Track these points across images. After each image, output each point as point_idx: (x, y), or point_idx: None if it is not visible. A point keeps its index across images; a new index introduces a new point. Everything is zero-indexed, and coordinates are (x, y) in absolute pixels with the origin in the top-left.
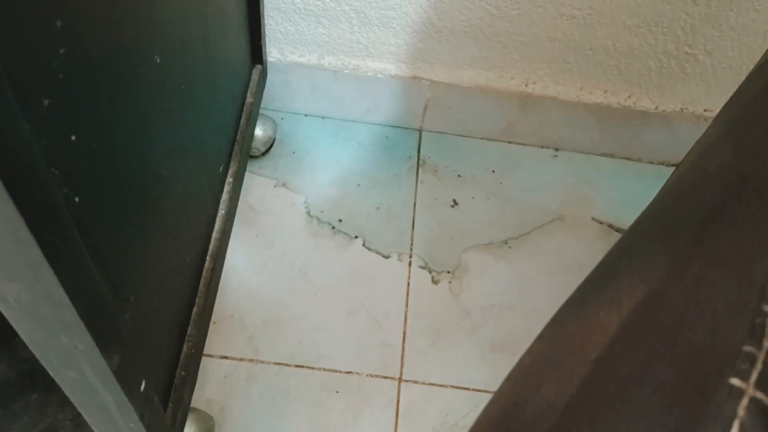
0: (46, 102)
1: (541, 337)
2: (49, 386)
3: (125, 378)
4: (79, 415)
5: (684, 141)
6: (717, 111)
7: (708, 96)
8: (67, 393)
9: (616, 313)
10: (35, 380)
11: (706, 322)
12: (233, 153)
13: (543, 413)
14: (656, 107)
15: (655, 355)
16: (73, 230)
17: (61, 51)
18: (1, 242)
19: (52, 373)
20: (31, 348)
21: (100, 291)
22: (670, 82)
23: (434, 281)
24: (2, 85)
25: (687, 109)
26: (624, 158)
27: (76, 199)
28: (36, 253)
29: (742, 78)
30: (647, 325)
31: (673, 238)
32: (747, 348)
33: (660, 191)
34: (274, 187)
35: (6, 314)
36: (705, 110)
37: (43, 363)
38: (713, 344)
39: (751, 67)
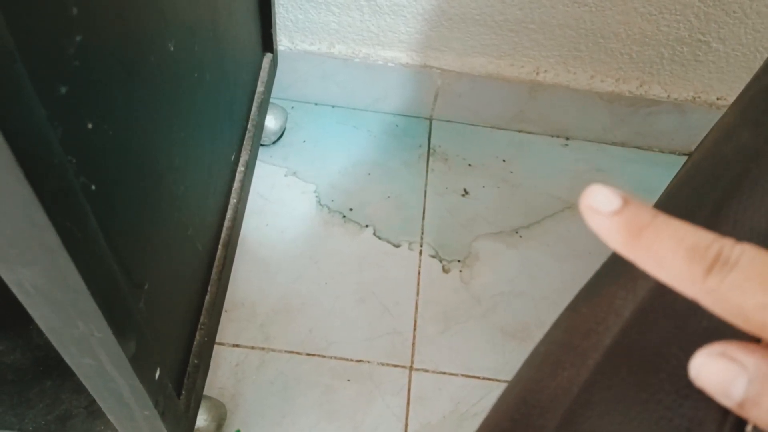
0: (63, 89)
1: (556, 325)
2: (64, 373)
3: (141, 365)
4: (93, 402)
5: (696, 129)
6: (730, 99)
7: (721, 84)
8: (83, 380)
9: (630, 298)
10: (50, 367)
11: None
12: (244, 142)
13: (558, 398)
14: (668, 95)
15: (669, 340)
16: (89, 217)
17: (78, 38)
18: (18, 228)
19: (68, 360)
20: (47, 334)
21: (116, 278)
22: (683, 69)
23: (445, 270)
24: (20, 72)
25: (699, 97)
26: (635, 147)
27: (93, 187)
28: (52, 238)
29: (757, 65)
30: (661, 310)
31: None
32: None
33: (675, 178)
34: (285, 175)
35: (22, 300)
36: (718, 98)
37: (59, 350)
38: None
39: (766, 54)
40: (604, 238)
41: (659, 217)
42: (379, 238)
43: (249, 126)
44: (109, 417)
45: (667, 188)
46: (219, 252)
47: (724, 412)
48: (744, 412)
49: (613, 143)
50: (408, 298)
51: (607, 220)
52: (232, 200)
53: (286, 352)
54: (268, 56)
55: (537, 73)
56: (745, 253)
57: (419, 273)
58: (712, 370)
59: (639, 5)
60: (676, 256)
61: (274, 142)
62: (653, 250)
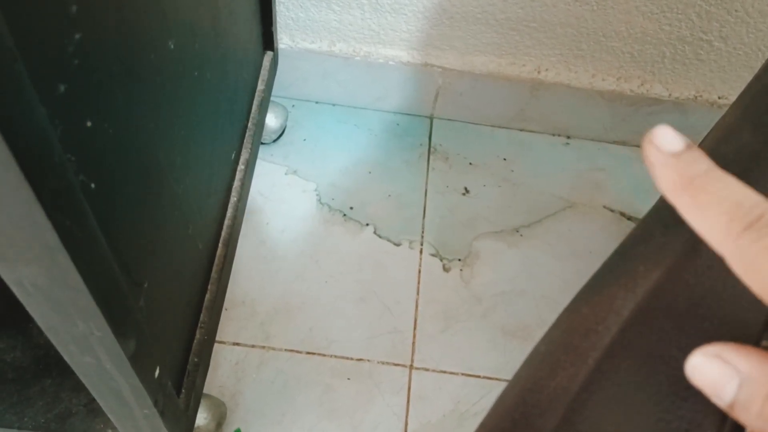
0: (62, 87)
1: (556, 324)
2: (64, 372)
3: (140, 364)
4: (93, 400)
5: (698, 128)
6: (731, 98)
7: (722, 83)
8: (82, 379)
9: (630, 298)
10: (50, 366)
11: (722, 309)
12: (244, 140)
13: (557, 398)
14: (669, 94)
15: (669, 340)
16: (89, 215)
17: (77, 36)
18: (17, 226)
19: (67, 359)
20: (46, 333)
21: (115, 276)
22: (684, 68)
23: (445, 269)
24: (19, 69)
25: (701, 96)
26: (636, 146)
27: (92, 185)
28: (52, 237)
29: (758, 64)
30: (661, 309)
31: None
32: (765, 343)
33: None
34: (285, 174)
35: (22, 299)
36: (719, 97)
37: (59, 348)
38: (729, 332)
39: None
40: (657, 177)
41: (715, 169)
42: (380, 237)
43: (249, 124)
44: (109, 415)
45: None
46: (219, 250)
47: (723, 415)
48: (735, 414)
49: (615, 142)
50: (408, 297)
51: (665, 159)
52: (233, 198)
53: (286, 350)
54: (269, 54)
55: (538, 72)
56: None
57: (420, 272)
58: (706, 371)
59: (640, 4)
60: (720, 208)
61: (274, 141)
62: (699, 199)
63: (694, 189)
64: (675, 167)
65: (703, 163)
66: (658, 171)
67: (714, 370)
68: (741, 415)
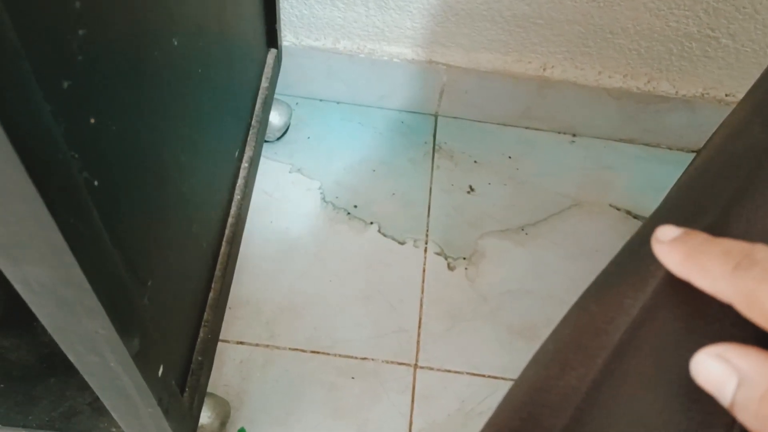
0: (66, 84)
1: (564, 323)
2: (69, 370)
3: (145, 362)
4: (98, 399)
5: (705, 126)
6: (739, 95)
7: (730, 80)
8: (87, 377)
9: (640, 297)
10: (54, 364)
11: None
12: (248, 138)
13: (567, 397)
14: (677, 92)
15: (679, 340)
16: (93, 213)
17: (81, 32)
18: (22, 225)
19: (72, 358)
20: (51, 332)
21: (120, 275)
22: (692, 65)
23: (450, 267)
24: (23, 65)
25: (708, 93)
26: (643, 144)
27: (96, 183)
28: (56, 235)
29: (767, 61)
30: (671, 309)
31: (699, 220)
32: None
33: (683, 175)
34: (289, 172)
35: (27, 298)
36: (727, 95)
37: (63, 347)
38: (739, 334)
39: None
40: (667, 262)
41: (710, 237)
42: (384, 236)
43: (253, 122)
44: (113, 414)
45: (675, 185)
46: (223, 249)
47: (733, 417)
48: (734, 413)
49: (621, 140)
50: (413, 296)
51: (669, 245)
52: (236, 197)
53: (290, 349)
54: (273, 52)
55: (544, 70)
56: None
57: (424, 271)
58: (708, 370)
59: (648, 0)
60: (714, 260)
61: (278, 139)
62: (699, 261)
63: (694, 256)
64: (677, 247)
65: (699, 236)
66: (667, 257)
67: (716, 369)
68: (740, 415)
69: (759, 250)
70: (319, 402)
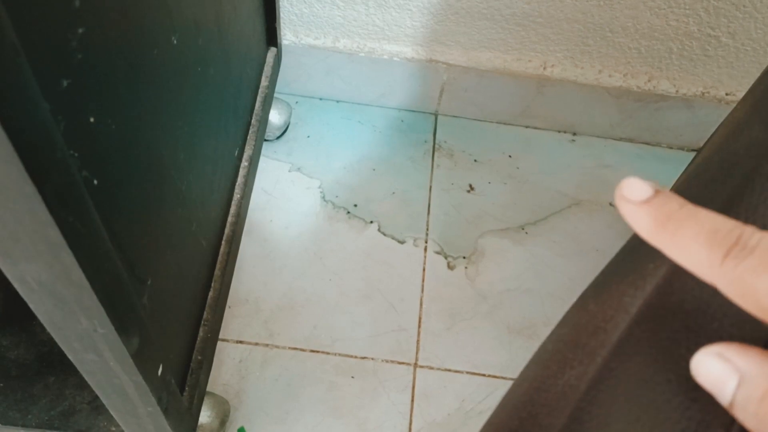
0: (65, 83)
1: (563, 322)
2: (67, 369)
3: (144, 361)
4: (96, 397)
5: (705, 125)
6: (739, 94)
7: (730, 79)
8: (86, 376)
9: (639, 295)
10: (53, 363)
11: (732, 308)
12: (248, 137)
13: (565, 396)
14: (677, 90)
15: (678, 339)
16: (92, 212)
17: (80, 31)
18: (20, 223)
19: (70, 356)
20: (50, 330)
21: (119, 273)
22: (692, 64)
23: (450, 266)
24: (23, 65)
25: (708, 92)
26: (643, 143)
27: (95, 182)
28: (55, 234)
29: (767, 60)
30: (670, 307)
31: None
32: None
33: (683, 174)
34: (289, 171)
35: (25, 296)
36: (727, 94)
37: (62, 346)
38: (739, 332)
39: None
40: (634, 226)
41: (686, 206)
42: (384, 234)
43: (253, 121)
44: (112, 413)
45: (675, 184)
46: (222, 248)
47: (732, 417)
48: (734, 413)
49: (621, 139)
50: (413, 295)
51: (638, 208)
52: (236, 195)
53: (290, 348)
54: (273, 50)
55: (544, 68)
56: (764, 239)
57: (424, 269)
58: (708, 369)
59: None
60: (697, 241)
61: (278, 138)
62: (677, 236)
63: (671, 228)
64: (648, 212)
65: (674, 202)
66: (634, 220)
67: (716, 368)
68: (739, 415)
69: (750, 234)
70: (318, 401)
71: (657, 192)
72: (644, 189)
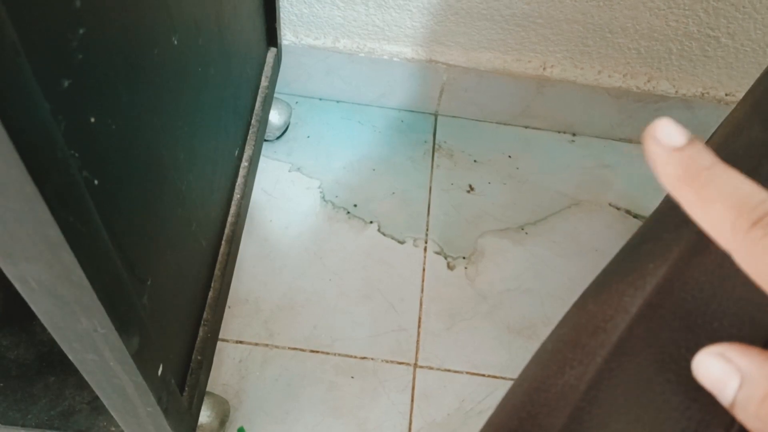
0: (66, 83)
1: (563, 322)
2: (67, 369)
3: (144, 361)
4: (96, 397)
5: (705, 125)
6: (739, 95)
7: (730, 80)
8: (86, 376)
9: (639, 295)
10: (53, 363)
11: (732, 308)
12: (248, 137)
13: (565, 396)
14: (676, 91)
15: (678, 339)
16: (92, 212)
17: (81, 31)
18: (21, 223)
19: (70, 356)
20: (50, 330)
21: (119, 273)
22: (691, 65)
23: (450, 266)
24: (23, 65)
25: (708, 93)
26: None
27: (96, 182)
28: (55, 234)
29: (766, 61)
30: (670, 308)
31: None
32: None
33: None
34: (289, 171)
35: (25, 296)
36: (726, 94)
37: (62, 345)
38: (739, 332)
39: None
40: (659, 172)
41: (719, 163)
42: (384, 235)
43: (253, 121)
44: (112, 413)
45: None
46: (222, 248)
47: (732, 417)
48: (734, 414)
49: (621, 139)
50: (413, 295)
51: (667, 154)
52: (236, 196)
53: (289, 348)
54: (273, 51)
55: (544, 69)
56: None
57: (424, 269)
58: (710, 369)
59: (647, 0)
60: (726, 204)
61: (278, 138)
62: (704, 194)
63: (698, 184)
64: (678, 162)
65: (707, 157)
66: (660, 166)
67: (717, 368)
68: (740, 415)
69: None
70: (318, 401)
71: (692, 141)
72: (679, 134)
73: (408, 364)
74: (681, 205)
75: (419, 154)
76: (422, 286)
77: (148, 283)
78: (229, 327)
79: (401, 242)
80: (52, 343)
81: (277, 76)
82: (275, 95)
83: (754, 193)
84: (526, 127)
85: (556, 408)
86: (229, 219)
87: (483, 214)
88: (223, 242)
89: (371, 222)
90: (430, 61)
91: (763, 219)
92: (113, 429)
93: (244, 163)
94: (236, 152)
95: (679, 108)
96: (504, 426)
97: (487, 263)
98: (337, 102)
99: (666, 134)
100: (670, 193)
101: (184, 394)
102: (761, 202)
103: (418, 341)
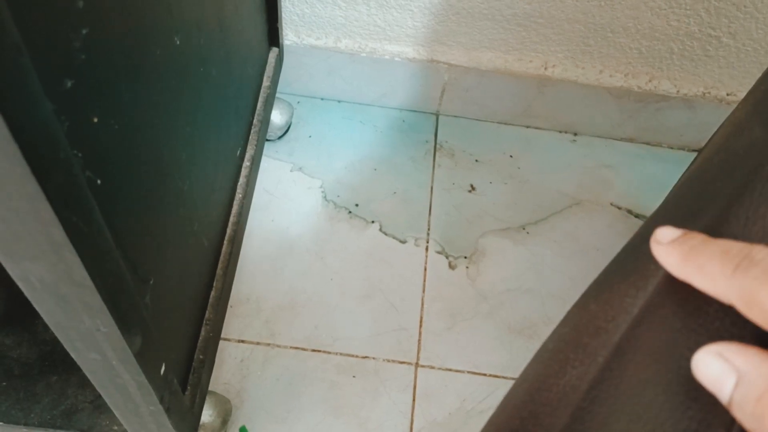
0: (69, 83)
1: (564, 322)
2: (70, 368)
3: (146, 360)
4: (99, 396)
5: (706, 125)
6: (740, 95)
7: (731, 79)
8: (88, 375)
9: (641, 296)
10: (56, 362)
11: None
12: (250, 137)
13: (567, 396)
14: (678, 91)
15: (679, 339)
16: (95, 211)
17: (83, 31)
18: (24, 222)
19: (73, 355)
20: (53, 329)
21: (121, 272)
22: (693, 65)
23: (451, 266)
24: (26, 65)
25: (709, 92)
26: (644, 143)
27: (98, 181)
28: (58, 233)
29: None
30: (672, 308)
31: (698, 219)
32: None
33: (684, 174)
34: (291, 171)
35: (28, 295)
36: (728, 94)
37: (65, 345)
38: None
39: None
40: (665, 264)
41: (706, 238)
42: (385, 234)
43: (255, 121)
44: (115, 412)
45: (676, 184)
46: (224, 247)
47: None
48: (732, 413)
49: (622, 139)
50: (414, 295)
51: (667, 246)
52: (238, 195)
53: (291, 348)
54: (274, 51)
55: (545, 68)
56: None
57: (425, 269)
58: (708, 368)
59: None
60: (712, 260)
61: (279, 137)
62: (698, 261)
63: (693, 256)
64: (676, 248)
65: (697, 236)
66: (664, 258)
67: (715, 367)
68: (737, 414)
69: (758, 250)
70: (319, 400)
71: (685, 233)
72: (673, 232)
73: (409, 363)
74: (690, 283)
75: (420, 153)
76: (423, 285)
77: (151, 282)
78: (231, 326)
79: (402, 242)
80: (55, 342)
81: (278, 76)
82: (277, 95)
83: (733, 246)
84: (528, 127)
85: (557, 408)
86: (231, 219)
87: (484, 213)
88: (225, 242)
89: (373, 222)
90: (432, 61)
91: (742, 262)
92: (115, 428)
93: (246, 163)
94: (238, 152)
95: (681, 108)
96: (505, 425)
97: (488, 263)
98: (339, 102)
99: (664, 235)
100: (677, 275)
101: (187, 393)
102: (740, 250)
103: (419, 341)
